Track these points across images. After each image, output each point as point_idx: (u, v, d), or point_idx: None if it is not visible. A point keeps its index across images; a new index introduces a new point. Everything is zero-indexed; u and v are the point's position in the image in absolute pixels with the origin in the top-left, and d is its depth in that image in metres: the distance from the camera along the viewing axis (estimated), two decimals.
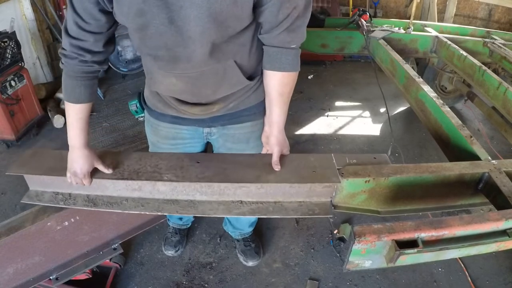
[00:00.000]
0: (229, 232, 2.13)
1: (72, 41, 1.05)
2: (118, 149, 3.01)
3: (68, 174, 1.19)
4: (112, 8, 1.00)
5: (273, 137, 1.25)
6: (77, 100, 1.14)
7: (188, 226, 2.18)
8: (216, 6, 0.96)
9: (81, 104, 1.14)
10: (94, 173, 1.22)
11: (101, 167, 1.21)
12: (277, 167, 1.22)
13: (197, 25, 0.99)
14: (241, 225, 2.01)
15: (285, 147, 1.27)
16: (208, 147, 1.62)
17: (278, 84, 1.18)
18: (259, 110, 1.33)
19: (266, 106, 1.24)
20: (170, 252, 2.07)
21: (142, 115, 1.44)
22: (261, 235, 2.23)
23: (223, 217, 2.15)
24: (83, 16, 1.00)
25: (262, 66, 1.20)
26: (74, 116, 1.16)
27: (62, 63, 1.10)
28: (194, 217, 2.16)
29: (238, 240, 2.09)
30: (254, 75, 1.26)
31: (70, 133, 1.18)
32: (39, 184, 1.28)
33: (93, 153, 1.20)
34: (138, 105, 1.42)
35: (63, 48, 1.08)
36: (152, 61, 1.17)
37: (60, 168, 1.23)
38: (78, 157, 1.17)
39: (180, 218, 2.08)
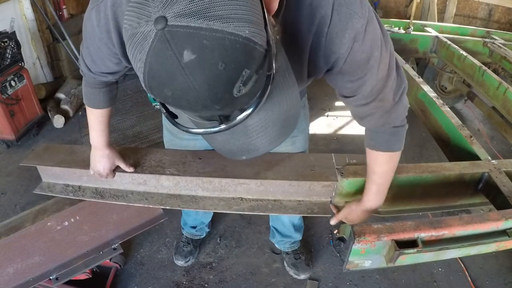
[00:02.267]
0: (278, 245, 2.07)
1: (91, 74, 1.03)
2: None
3: (91, 171, 1.24)
4: None
5: (354, 210, 1.20)
6: (97, 106, 1.14)
7: (202, 236, 2.14)
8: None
9: (101, 109, 1.15)
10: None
11: (122, 166, 1.25)
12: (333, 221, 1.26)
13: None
14: (288, 230, 1.93)
15: (355, 220, 1.22)
16: None
17: (371, 162, 1.08)
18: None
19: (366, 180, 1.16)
20: (180, 262, 2.04)
21: None
22: (260, 235, 2.23)
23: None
24: (101, 68, 0.98)
25: (365, 143, 1.07)
26: (96, 119, 1.17)
27: (82, 72, 1.07)
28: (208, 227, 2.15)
29: (287, 253, 2.04)
30: None
31: (92, 134, 1.20)
32: (51, 176, 1.35)
33: (114, 152, 1.24)
34: None
35: (82, 71, 1.06)
36: None
37: (71, 161, 1.29)
38: (100, 157, 1.21)
39: (194, 227, 2.05)
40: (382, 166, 1.06)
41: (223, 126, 0.56)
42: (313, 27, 0.73)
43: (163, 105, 0.63)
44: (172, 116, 0.64)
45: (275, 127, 0.63)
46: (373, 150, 1.04)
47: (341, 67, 0.79)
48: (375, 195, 1.14)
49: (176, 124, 0.63)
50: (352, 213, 1.21)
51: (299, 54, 0.77)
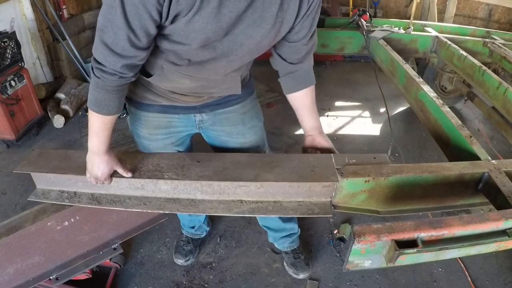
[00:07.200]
0: (277, 245, 2.07)
1: (122, 60, 1.00)
2: (117, 149, 3.01)
3: (88, 175, 1.21)
4: (167, 23, 0.97)
5: (323, 138, 1.44)
6: (109, 112, 1.12)
7: (202, 236, 2.14)
8: (265, 41, 1.10)
9: (112, 115, 1.14)
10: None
11: (120, 171, 1.22)
12: None
13: (244, 54, 1.12)
14: (277, 223, 1.90)
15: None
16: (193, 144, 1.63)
17: (311, 96, 1.40)
18: (243, 93, 1.41)
19: (303, 117, 1.45)
20: (180, 261, 2.05)
21: (124, 112, 1.41)
22: (260, 235, 2.23)
23: (259, 230, 2.15)
24: (138, 33, 0.95)
25: (293, 89, 1.37)
26: (102, 126, 1.15)
27: (97, 77, 1.04)
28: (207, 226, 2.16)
29: (287, 253, 2.04)
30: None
31: (93, 140, 1.16)
32: (46, 182, 1.32)
33: (113, 157, 1.20)
34: None
35: (104, 65, 1.01)
36: (174, 65, 1.15)
37: (65, 167, 1.26)
38: (99, 162, 1.18)
39: (193, 227, 2.05)
40: (314, 95, 1.43)
41: None
42: None
43: None
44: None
45: None
46: (305, 89, 1.37)
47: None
48: (319, 118, 1.48)
49: None
50: (319, 143, 1.45)
51: None
